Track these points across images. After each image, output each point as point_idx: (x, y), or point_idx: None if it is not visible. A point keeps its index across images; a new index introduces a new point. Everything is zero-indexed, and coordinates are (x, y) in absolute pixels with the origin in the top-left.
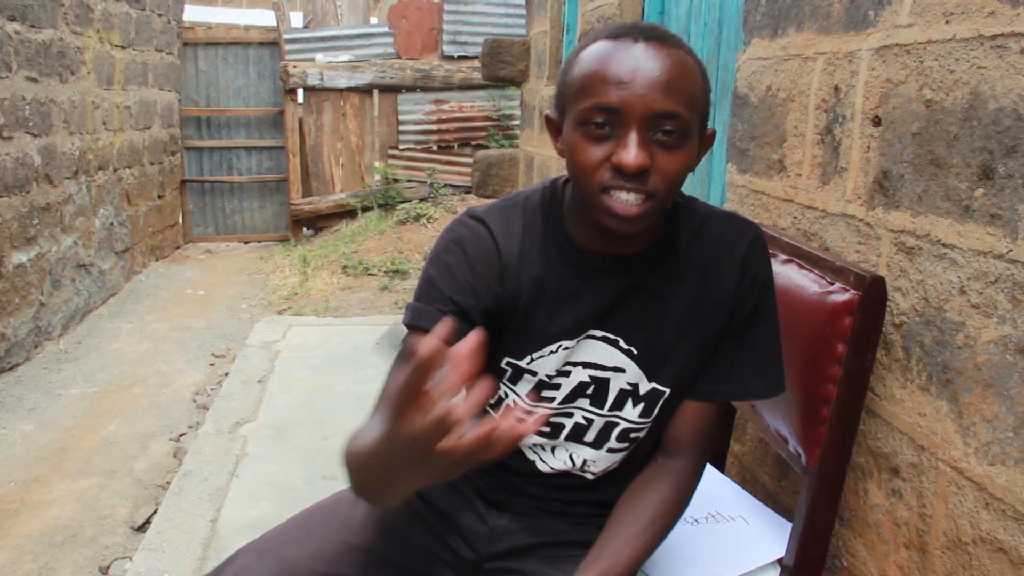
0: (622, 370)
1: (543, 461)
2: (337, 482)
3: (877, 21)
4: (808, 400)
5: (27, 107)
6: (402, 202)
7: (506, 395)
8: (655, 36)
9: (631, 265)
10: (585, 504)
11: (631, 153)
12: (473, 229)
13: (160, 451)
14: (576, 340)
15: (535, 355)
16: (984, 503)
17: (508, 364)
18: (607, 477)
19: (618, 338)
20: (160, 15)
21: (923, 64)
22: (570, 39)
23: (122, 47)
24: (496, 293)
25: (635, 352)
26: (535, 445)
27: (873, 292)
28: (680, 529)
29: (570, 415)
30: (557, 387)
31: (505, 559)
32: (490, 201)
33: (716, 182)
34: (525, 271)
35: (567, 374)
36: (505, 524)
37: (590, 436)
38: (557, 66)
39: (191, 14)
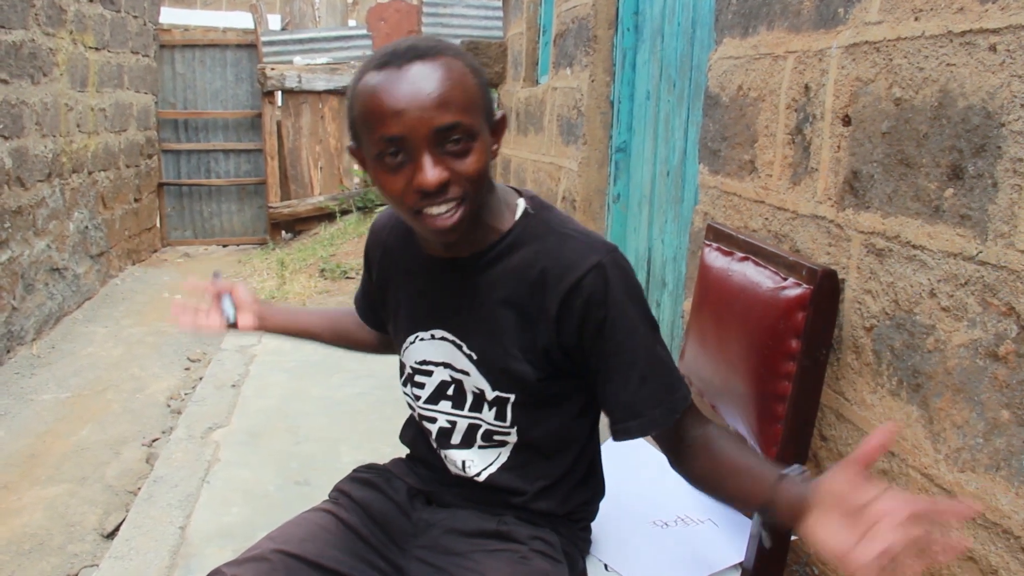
0: (467, 373)
1: (446, 457)
2: (310, 488)
3: (847, 18)
4: (763, 398)
5: None
6: (381, 205)
7: (405, 395)
8: (416, 56)
9: (463, 265)
10: (504, 492)
11: (427, 175)
12: (374, 221)
13: (132, 457)
14: (429, 333)
15: (403, 344)
16: None
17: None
18: (498, 479)
19: (461, 343)
20: (135, 17)
21: (892, 62)
22: (546, 40)
23: (96, 49)
24: (374, 275)
25: (475, 358)
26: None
27: (825, 286)
28: (647, 531)
29: (434, 420)
30: (422, 386)
31: (428, 551)
32: None
33: (689, 184)
34: (392, 263)
35: (429, 373)
36: (427, 517)
37: (456, 438)
38: (533, 67)
39: (168, 16)
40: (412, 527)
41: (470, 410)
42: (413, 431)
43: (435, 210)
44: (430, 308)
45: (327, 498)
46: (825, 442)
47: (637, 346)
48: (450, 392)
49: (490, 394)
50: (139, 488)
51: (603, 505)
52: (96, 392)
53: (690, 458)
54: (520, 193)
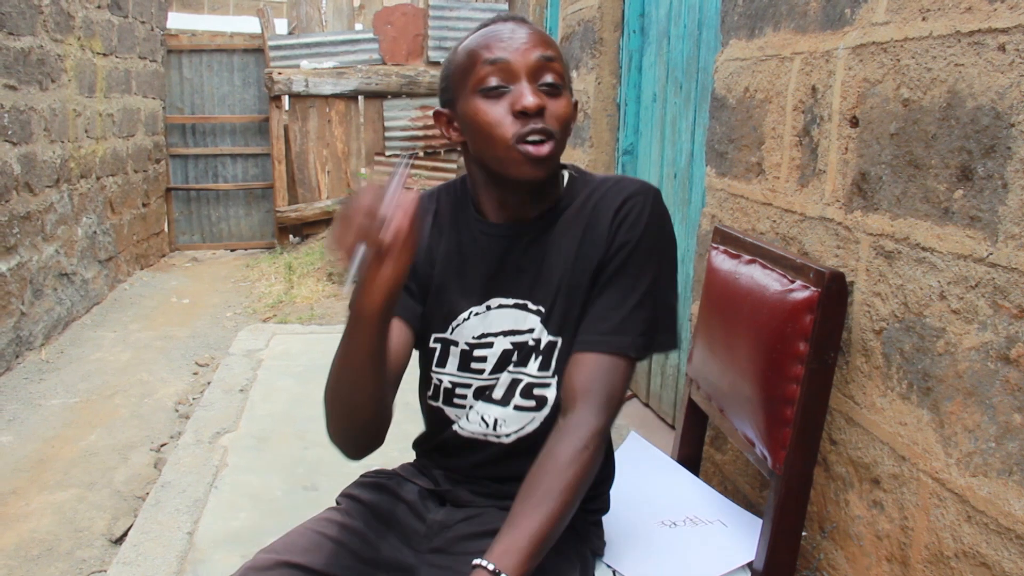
0: (532, 330)
1: (461, 428)
2: (317, 493)
3: (854, 19)
4: (772, 401)
5: (5, 115)
6: None
7: (440, 381)
8: (519, 17)
9: (529, 228)
10: (515, 481)
11: (529, 97)
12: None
13: (140, 462)
14: (485, 306)
15: (454, 324)
16: (966, 516)
17: (436, 341)
18: (527, 445)
19: (526, 301)
20: (143, 22)
21: (900, 62)
22: None
23: (104, 54)
24: (417, 265)
25: (543, 311)
26: (456, 403)
27: (833, 288)
28: (656, 531)
29: (494, 385)
30: (484, 359)
31: (440, 554)
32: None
33: (696, 186)
34: (437, 246)
35: (489, 345)
36: (442, 519)
37: (498, 392)
38: None
39: (176, 21)
40: (425, 528)
41: (515, 365)
42: (438, 416)
43: (533, 137)
44: (488, 279)
45: (334, 504)
46: (834, 446)
47: (647, 274)
48: (515, 358)
49: (544, 341)
50: (147, 493)
51: (611, 505)
52: (104, 397)
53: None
54: (563, 166)
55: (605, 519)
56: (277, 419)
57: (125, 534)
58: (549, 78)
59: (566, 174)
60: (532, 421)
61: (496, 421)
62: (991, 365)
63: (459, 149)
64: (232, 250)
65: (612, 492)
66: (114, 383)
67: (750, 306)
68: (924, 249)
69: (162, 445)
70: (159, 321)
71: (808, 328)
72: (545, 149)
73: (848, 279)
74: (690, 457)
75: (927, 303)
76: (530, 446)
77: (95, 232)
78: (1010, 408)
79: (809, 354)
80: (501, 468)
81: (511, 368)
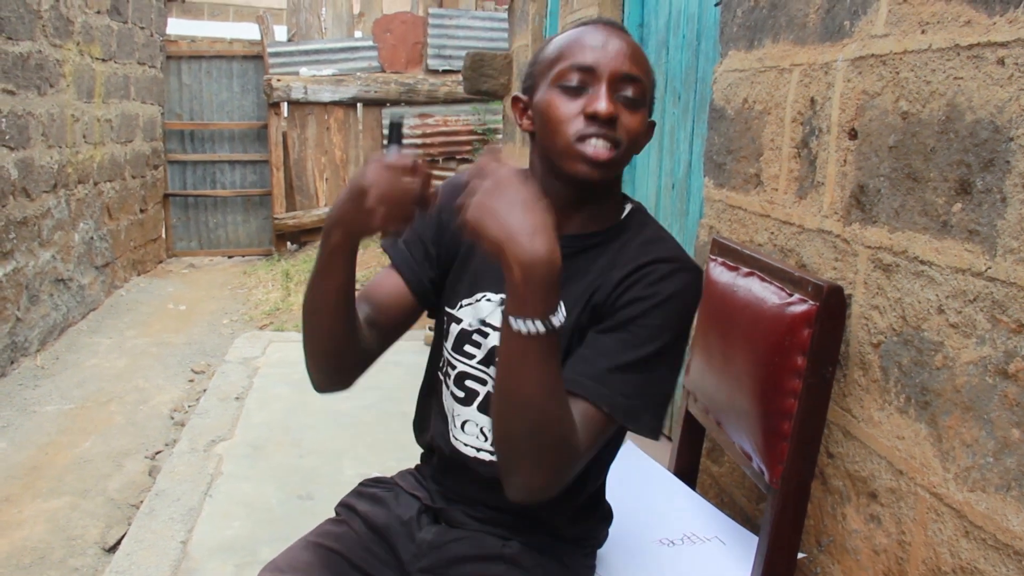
0: None
1: (456, 439)
2: (312, 502)
3: (853, 31)
4: (769, 415)
5: (3, 120)
6: None
7: (440, 353)
8: (618, 25)
9: (569, 241)
10: (510, 513)
11: (603, 102)
12: (451, 179)
13: (135, 469)
14: (500, 297)
15: (463, 302)
16: (964, 531)
17: (445, 313)
18: None
19: None
20: (142, 28)
21: (899, 75)
22: None
23: (103, 60)
24: (445, 233)
25: None
26: (455, 412)
27: (831, 302)
28: (654, 551)
29: (484, 382)
30: (479, 345)
31: (428, 575)
32: None
33: (695, 197)
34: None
35: (485, 335)
36: (432, 539)
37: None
38: None
39: (175, 27)
40: (415, 547)
41: None
42: (438, 420)
43: (595, 142)
44: None
45: (333, 514)
46: (832, 459)
47: (650, 344)
48: None
49: None
50: (141, 501)
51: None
52: (99, 404)
53: None
54: (630, 200)
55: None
56: (272, 427)
57: (118, 542)
58: (629, 91)
59: (629, 207)
60: None
61: (484, 429)
62: (989, 380)
63: (526, 139)
64: (229, 257)
65: (610, 504)
66: (109, 390)
67: (748, 319)
68: (922, 262)
69: (157, 453)
70: (155, 328)
71: (806, 342)
72: (604, 154)
73: (846, 292)
74: (687, 469)
75: (925, 317)
76: None
77: (92, 238)
78: (1008, 423)
79: (807, 368)
80: (495, 496)
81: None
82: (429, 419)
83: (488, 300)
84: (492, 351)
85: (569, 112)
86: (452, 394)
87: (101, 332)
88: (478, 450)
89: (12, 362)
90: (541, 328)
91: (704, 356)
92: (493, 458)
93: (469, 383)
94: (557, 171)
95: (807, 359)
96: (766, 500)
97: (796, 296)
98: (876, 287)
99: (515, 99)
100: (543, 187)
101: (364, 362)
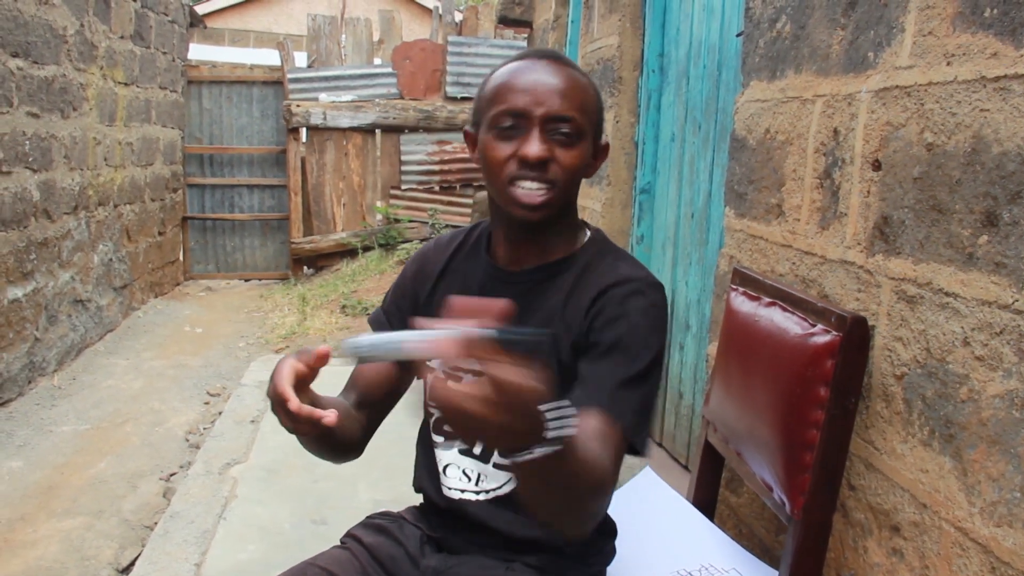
0: None
1: (442, 483)
2: (326, 526)
3: (877, 63)
4: (791, 446)
5: (27, 142)
6: (403, 242)
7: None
8: (553, 56)
9: (532, 275)
10: (509, 536)
11: (534, 146)
12: (428, 245)
13: (150, 491)
14: None
15: None
16: (990, 567)
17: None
18: (510, 500)
19: None
20: (164, 53)
21: (924, 107)
22: None
23: (125, 84)
24: (421, 296)
25: None
26: (438, 456)
27: (855, 333)
28: None
29: None
30: None
31: None
32: None
33: (714, 226)
34: (444, 281)
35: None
36: (435, 565)
37: (478, 448)
38: None
39: (196, 52)
40: (420, 574)
41: None
42: (425, 471)
43: (529, 184)
44: None
45: (338, 543)
46: (853, 491)
47: (639, 361)
48: None
49: None
50: (155, 523)
51: (623, 552)
52: (115, 425)
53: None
54: (588, 227)
55: (620, 567)
56: (287, 451)
57: (132, 564)
58: (564, 128)
59: (588, 233)
60: (510, 481)
61: (480, 476)
62: (1016, 413)
63: (474, 185)
64: (246, 280)
65: (628, 533)
66: (125, 411)
67: (770, 349)
68: (947, 295)
69: (172, 474)
70: (172, 350)
71: (829, 373)
72: (536, 198)
73: (869, 323)
74: (706, 500)
75: (950, 349)
76: (508, 503)
77: (111, 259)
78: None
79: (830, 399)
80: (488, 532)
81: None
82: (419, 465)
83: None
84: None
85: (503, 155)
86: (433, 440)
87: (118, 353)
88: (462, 492)
89: (30, 382)
90: (538, 452)
91: (724, 386)
92: (479, 498)
93: (448, 427)
94: (500, 210)
95: (830, 390)
96: (786, 532)
97: (819, 327)
98: (900, 319)
99: (466, 132)
100: (497, 229)
101: (365, 439)
